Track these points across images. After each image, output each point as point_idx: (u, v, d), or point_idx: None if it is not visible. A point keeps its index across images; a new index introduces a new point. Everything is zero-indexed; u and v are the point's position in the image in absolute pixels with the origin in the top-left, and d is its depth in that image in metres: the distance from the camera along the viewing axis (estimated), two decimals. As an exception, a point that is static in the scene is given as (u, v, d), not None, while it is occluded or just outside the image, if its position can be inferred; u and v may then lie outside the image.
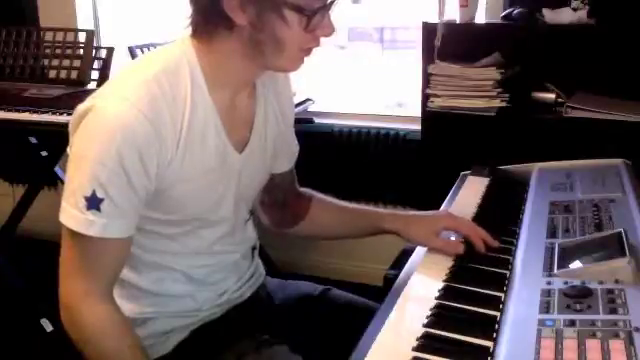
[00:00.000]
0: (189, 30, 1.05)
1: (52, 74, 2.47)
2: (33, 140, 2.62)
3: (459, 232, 1.21)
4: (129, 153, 0.94)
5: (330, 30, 1.02)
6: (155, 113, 0.96)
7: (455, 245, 1.17)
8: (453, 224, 1.22)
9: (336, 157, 2.64)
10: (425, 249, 1.20)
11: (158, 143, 0.97)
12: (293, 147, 1.31)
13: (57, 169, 2.65)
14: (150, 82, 0.98)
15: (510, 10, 2.11)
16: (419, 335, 0.88)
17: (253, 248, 1.28)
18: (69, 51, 2.46)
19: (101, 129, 0.94)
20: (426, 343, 0.86)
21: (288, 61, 1.04)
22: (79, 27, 2.79)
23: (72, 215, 0.95)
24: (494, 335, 0.87)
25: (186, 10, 1.04)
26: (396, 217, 1.29)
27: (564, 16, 2.00)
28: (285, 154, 1.28)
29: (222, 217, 1.14)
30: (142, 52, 2.40)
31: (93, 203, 0.94)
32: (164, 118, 0.97)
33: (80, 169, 0.95)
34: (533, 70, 2.15)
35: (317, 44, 1.03)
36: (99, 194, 0.94)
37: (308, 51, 1.04)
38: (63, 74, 2.45)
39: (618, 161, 1.49)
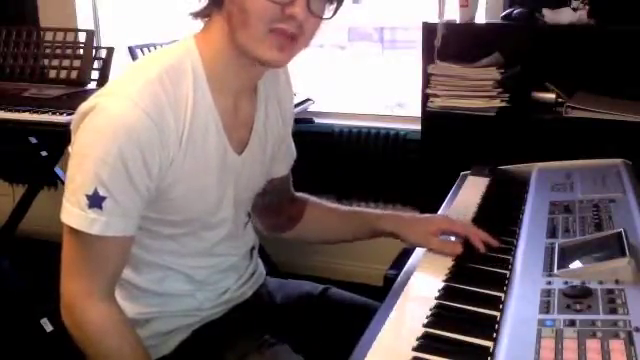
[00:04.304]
0: (191, 30, 1.05)
1: (52, 74, 2.47)
2: (33, 140, 2.62)
3: (457, 234, 1.21)
4: (131, 151, 0.94)
5: (298, 7, 0.94)
6: (158, 112, 0.96)
7: (453, 246, 1.16)
8: (449, 226, 1.22)
9: (336, 157, 2.64)
10: (425, 249, 1.20)
11: (160, 142, 0.97)
12: (291, 151, 1.31)
13: (57, 169, 2.66)
14: (153, 81, 0.97)
15: (510, 10, 2.12)
16: (419, 335, 0.88)
17: (252, 248, 1.28)
18: (69, 51, 2.46)
19: (104, 127, 0.94)
20: (426, 343, 0.86)
21: (254, 41, 0.96)
22: (79, 27, 2.79)
23: (74, 213, 0.95)
24: (494, 335, 0.87)
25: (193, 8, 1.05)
26: (392, 218, 1.29)
27: (564, 16, 2.00)
28: (284, 158, 1.28)
29: (222, 219, 1.13)
30: (142, 52, 2.40)
31: (95, 201, 0.94)
32: (167, 117, 0.97)
33: (82, 167, 0.95)
34: (533, 70, 2.15)
35: (287, 26, 0.95)
36: (101, 192, 0.94)
37: (279, 33, 0.96)
38: (63, 74, 2.45)
39: (618, 161, 1.49)
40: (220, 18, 1.01)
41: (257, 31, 0.96)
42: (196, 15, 1.05)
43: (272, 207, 1.33)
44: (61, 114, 2.14)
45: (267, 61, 1.00)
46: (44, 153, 2.64)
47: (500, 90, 2.04)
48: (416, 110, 2.27)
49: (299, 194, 1.36)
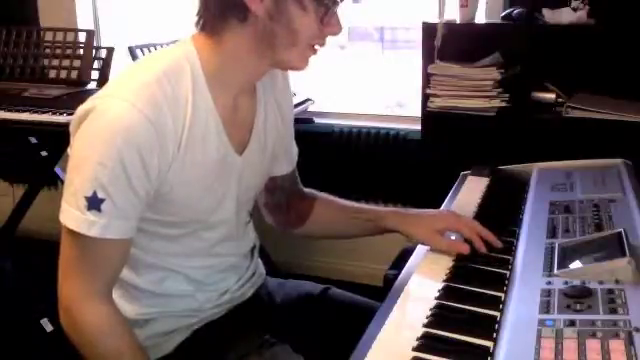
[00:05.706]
0: (191, 31, 1.05)
1: (52, 74, 2.47)
2: (33, 140, 2.61)
3: (461, 233, 1.21)
4: (130, 154, 0.94)
5: (338, 28, 1.03)
6: (156, 114, 0.96)
7: (459, 245, 1.16)
8: (455, 224, 1.21)
9: (336, 157, 2.64)
10: (425, 249, 1.20)
11: (159, 144, 0.97)
12: (293, 150, 1.31)
13: (57, 169, 2.66)
14: (151, 83, 0.97)
15: (510, 10, 2.12)
16: (419, 335, 0.88)
17: (252, 248, 1.28)
18: (69, 51, 2.46)
19: (102, 130, 0.94)
20: (426, 343, 0.86)
21: (297, 56, 1.03)
22: (79, 27, 2.79)
23: (72, 215, 0.95)
24: (494, 335, 0.87)
25: (194, 7, 1.04)
26: (398, 215, 1.29)
27: (564, 16, 2.00)
28: (285, 157, 1.28)
29: (223, 219, 1.13)
30: (142, 52, 2.40)
31: (94, 203, 0.94)
32: (165, 119, 0.97)
33: (81, 170, 0.95)
34: (533, 70, 2.15)
35: (323, 43, 1.04)
36: (100, 194, 0.94)
37: (314, 50, 1.04)
38: (63, 74, 2.45)
39: (618, 161, 1.49)
40: (240, 33, 1.01)
41: (302, 49, 1.02)
42: (205, 26, 1.03)
43: (281, 205, 1.34)
44: (61, 114, 2.14)
45: (295, 69, 1.07)
46: (44, 153, 2.63)
47: (500, 90, 2.04)
48: (416, 110, 2.27)
49: (308, 190, 1.37)
